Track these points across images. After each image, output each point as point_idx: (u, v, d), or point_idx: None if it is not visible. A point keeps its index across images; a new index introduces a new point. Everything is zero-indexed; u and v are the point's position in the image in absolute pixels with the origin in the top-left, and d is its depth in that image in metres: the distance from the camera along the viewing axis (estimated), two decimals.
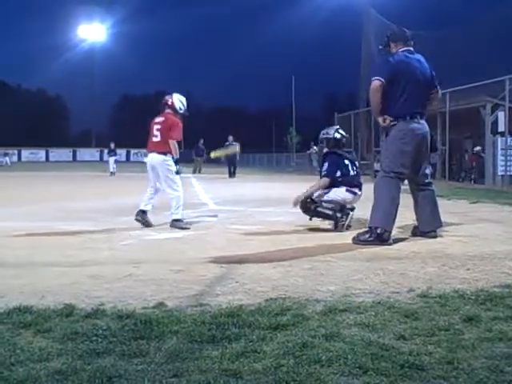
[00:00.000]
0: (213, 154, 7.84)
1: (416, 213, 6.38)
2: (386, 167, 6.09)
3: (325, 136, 7.49)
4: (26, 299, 3.49)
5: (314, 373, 2.33)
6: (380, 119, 6.09)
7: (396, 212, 5.95)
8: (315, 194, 7.12)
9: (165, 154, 7.40)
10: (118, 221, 8.03)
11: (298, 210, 7.30)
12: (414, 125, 6.04)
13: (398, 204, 5.98)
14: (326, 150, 7.47)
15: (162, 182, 7.42)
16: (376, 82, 5.97)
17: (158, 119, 7.62)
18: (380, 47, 6.54)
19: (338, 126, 7.97)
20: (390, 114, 6.01)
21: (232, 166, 27.44)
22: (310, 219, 7.19)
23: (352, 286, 3.94)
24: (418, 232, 6.32)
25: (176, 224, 7.24)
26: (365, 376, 2.31)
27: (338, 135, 7.46)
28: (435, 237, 6.18)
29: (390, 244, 5.72)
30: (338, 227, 6.94)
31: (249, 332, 2.83)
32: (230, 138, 28.82)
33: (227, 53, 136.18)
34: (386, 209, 5.90)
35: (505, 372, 2.35)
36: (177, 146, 7.44)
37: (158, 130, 7.53)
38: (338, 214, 6.96)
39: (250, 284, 4.00)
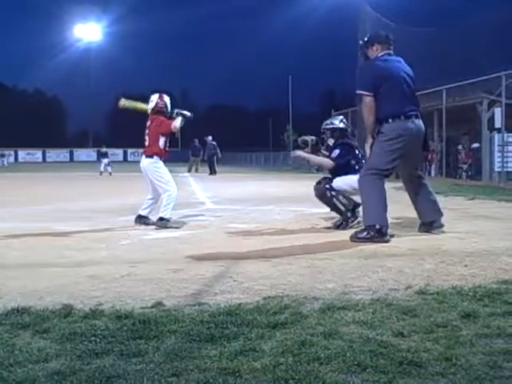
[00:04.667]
0: (122, 103, 7.54)
1: (416, 206, 6.36)
2: (371, 165, 6.02)
3: (330, 126, 7.32)
4: (24, 300, 3.49)
5: (312, 371, 2.33)
6: (370, 141, 6.03)
7: (386, 205, 5.93)
8: (337, 184, 6.97)
9: (151, 156, 7.45)
10: (116, 221, 8.03)
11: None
12: (409, 124, 5.99)
13: (386, 196, 5.96)
14: (331, 140, 7.27)
15: (154, 183, 7.43)
16: (367, 98, 5.93)
17: (147, 123, 7.64)
18: (360, 42, 6.49)
19: (342, 116, 7.81)
20: (383, 114, 5.95)
21: (211, 164, 27.82)
22: (331, 210, 7.12)
23: (350, 283, 3.95)
24: (422, 228, 6.32)
25: (160, 223, 7.17)
26: (363, 373, 2.31)
27: (343, 125, 7.33)
28: (441, 226, 6.18)
29: (387, 241, 5.71)
30: (340, 227, 6.81)
31: (247, 330, 2.83)
32: (209, 137, 29.25)
33: (224, 51, 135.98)
34: (377, 205, 5.88)
35: (503, 368, 2.36)
36: (177, 120, 7.40)
37: (147, 134, 7.58)
38: (349, 214, 6.87)
39: (248, 282, 4.00)
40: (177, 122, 7.42)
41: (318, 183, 7.11)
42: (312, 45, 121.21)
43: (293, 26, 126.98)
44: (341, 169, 7.02)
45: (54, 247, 5.79)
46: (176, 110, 7.56)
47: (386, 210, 5.90)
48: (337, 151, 7.08)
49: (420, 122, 6.14)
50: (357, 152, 7.19)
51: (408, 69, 6.23)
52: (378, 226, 5.76)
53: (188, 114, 7.60)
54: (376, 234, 5.74)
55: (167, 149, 7.61)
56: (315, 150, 7.39)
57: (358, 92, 6.08)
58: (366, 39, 6.37)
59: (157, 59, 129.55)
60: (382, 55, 6.14)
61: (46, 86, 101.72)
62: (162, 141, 7.45)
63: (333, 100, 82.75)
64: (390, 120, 5.94)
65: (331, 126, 7.32)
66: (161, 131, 7.44)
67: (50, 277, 4.28)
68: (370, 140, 6.04)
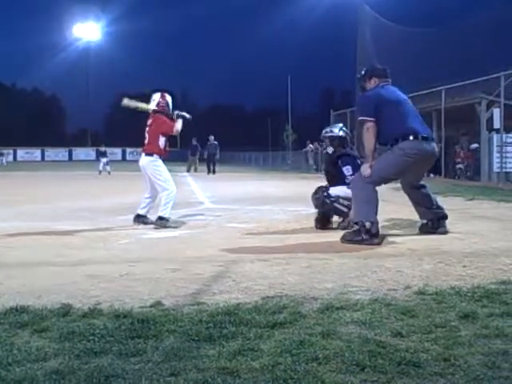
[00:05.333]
0: (126, 102, 7.52)
1: (420, 205, 6.34)
2: (373, 170, 5.92)
3: (329, 135, 7.30)
4: (23, 299, 3.49)
5: (311, 370, 2.33)
6: (369, 164, 5.95)
7: (377, 205, 5.90)
8: (334, 192, 6.93)
9: (151, 154, 7.44)
10: (115, 220, 8.02)
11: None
12: (425, 145, 6.01)
13: (377, 197, 5.94)
14: (330, 149, 7.25)
15: (153, 182, 7.42)
16: (368, 124, 5.94)
17: (148, 121, 7.64)
18: (358, 76, 6.58)
19: (341, 124, 7.74)
20: (401, 131, 5.94)
21: (211, 163, 27.90)
22: (333, 215, 7.09)
23: (349, 283, 3.95)
24: (428, 226, 6.30)
25: (159, 222, 7.16)
26: (362, 373, 2.31)
27: (342, 133, 7.30)
28: (446, 232, 6.19)
29: (377, 243, 5.67)
30: (348, 227, 6.55)
31: (246, 330, 2.83)
32: (211, 137, 29.46)
33: (223, 51, 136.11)
34: (367, 202, 5.85)
35: (501, 368, 2.36)
36: (178, 123, 7.45)
37: (147, 131, 7.58)
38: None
39: (246, 282, 4.01)
40: (179, 125, 7.43)
41: (315, 193, 7.08)
42: (311, 45, 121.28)
43: (292, 26, 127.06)
44: (341, 179, 7.02)
45: (53, 246, 5.79)
46: (176, 112, 7.56)
47: (375, 209, 5.88)
48: (349, 168, 7.00)
49: (435, 146, 6.21)
50: (357, 162, 7.16)
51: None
52: (367, 225, 5.72)
53: (187, 115, 7.61)
54: (365, 236, 5.69)
55: (167, 148, 7.60)
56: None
57: (359, 119, 6.13)
58: (363, 72, 6.44)
59: (156, 59, 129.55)
60: (382, 86, 6.21)
61: (45, 85, 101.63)
62: (162, 140, 7.44)
63: (332, 100, 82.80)
64: (411, 137, 5.92)
65: (330, 135, 7.30)
66: (162, 131, 7.43)
67: (49, 276, 4.28)
68: (370, 161, 5.99)
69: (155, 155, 7.42)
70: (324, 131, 7.43)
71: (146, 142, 7.56)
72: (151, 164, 7.40)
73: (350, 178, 6.92)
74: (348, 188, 6.72)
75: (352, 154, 7.22)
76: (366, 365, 2.37)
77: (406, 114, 6.06)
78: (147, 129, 7.57)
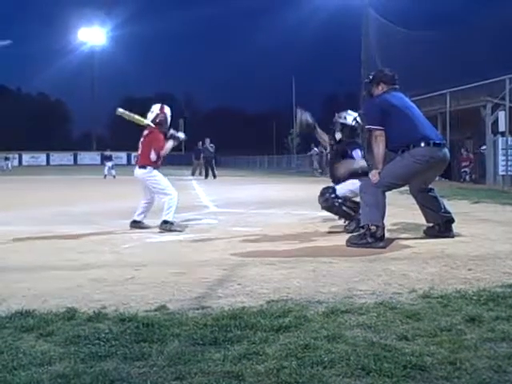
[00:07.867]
0: (121, 111, 7.45)
1: (427, 208, 6.32)
2: (382, 175, 5.91)
3: (341, 121, 7.16)
4: (28, 303, 3.49)
5: (316, 374, 2.33)
6: (378, 170, 5.94)
7: (384, 209, 5.89)
8: (341, 191, 6.87)
9: (144, 167, 7.46)
10: (119, 224, 8.02)
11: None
12: (438, 152, 6.00)
13: (385, 202, 5.92)
14: (338, 134, 7.12)
15: (154, 191, 7.47)
16: (377, 132, 5.93)
17: (144, 132, 7.65)
18: (365, 81, 6.54)
19: (356, 114, 7.46)
20: (408, 139, 5.92)
21: (209, 167, 27.77)
22: (339, 219, 7.08)
23: (354, 287, 3.94)
24: (435, 229, 6.28)
25: (164, 226, 7.17)
26: (367, 377, 2.31)
27: (354, 123, 7.18)
28: (453, 236, 6.17)
29: (382, 247, 5.65)
30: (354, 230, 6.52)
31: (251, 334, 2.83)
32: (207, 140, 29.31)
33: (227, 54, 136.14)
34: (374, 206, 5.82)
35: (507, 372, 2.35)
36: (169, 144, 7.51)
37: (141, 142, 7.60)
38: (359, 217, 6.74)
39: (251, 286, 4.00)
40: (168, 147, 7.48)
41: (322, 195, 6.94)
42: (315, 48, 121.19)
43: (296, 29, 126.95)
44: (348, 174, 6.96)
45: (58, 250, 5.80)
46: (170, 132, 7.57)
47: (382, 213, 5.86)
48: (358, 150, 7.00)
49: (446, 151, 6.18)
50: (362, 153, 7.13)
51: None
52: (372, 228, 5.71)
53: (181, 136, 7.66)
54: (370, 240, 5.68)
55: (159, 162, 7.56)
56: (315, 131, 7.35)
57: (367, 127, 6.14)
58: (371, 77, 6.41)
59: (160, 62, 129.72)
60: (389, 92, 6.17)
61: (50, 90, 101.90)
62: (153, 154, 7.42)
63: (336, 103, 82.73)
64: (422, 144, 5.90)
65: (342, 121, 7.15)
66: (153, 147, 7.43)
67: (54, 280, 4.29)
68: (379, 168, 5.97)
69: (148, 167, 7.43)
70: (337, 115, 7.28)
71: (139, 153, 7.62)
72: (146, 176, 7.43)
73: (358, 157, 6.90)
74: (355, 180, 6.66)
75: (360, 145, 7.18)
76: (372, 369, 2.36)
77: (416, 120, 6.04)
78: (141, 139, 7.60)
